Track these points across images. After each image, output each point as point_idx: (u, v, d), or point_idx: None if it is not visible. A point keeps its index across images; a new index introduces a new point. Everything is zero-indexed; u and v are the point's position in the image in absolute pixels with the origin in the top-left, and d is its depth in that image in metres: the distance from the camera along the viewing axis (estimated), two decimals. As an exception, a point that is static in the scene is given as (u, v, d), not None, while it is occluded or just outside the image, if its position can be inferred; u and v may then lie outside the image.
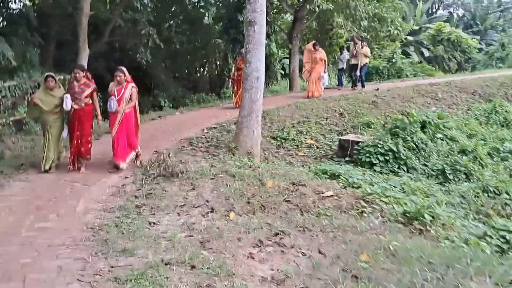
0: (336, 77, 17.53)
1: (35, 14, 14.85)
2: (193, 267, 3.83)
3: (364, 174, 7.27)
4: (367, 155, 8.30)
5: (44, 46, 14.97)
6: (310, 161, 9.33)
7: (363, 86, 15.17)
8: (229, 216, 5.28)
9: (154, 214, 5.27)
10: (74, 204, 5.55)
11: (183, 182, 6.30)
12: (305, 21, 17.16)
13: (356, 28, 17.09)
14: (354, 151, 8.69)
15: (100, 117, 7.25)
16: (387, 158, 8.24)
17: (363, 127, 11.21)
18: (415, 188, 7.00)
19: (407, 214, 5.11)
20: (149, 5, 13.79)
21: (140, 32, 14.01)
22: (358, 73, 14.74)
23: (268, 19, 16.53)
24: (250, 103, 8.13)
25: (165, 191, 5.98)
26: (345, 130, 11.30)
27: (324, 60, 13.52)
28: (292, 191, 6.07)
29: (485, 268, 3.23)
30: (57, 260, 3.99)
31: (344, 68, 16.12)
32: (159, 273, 3.67)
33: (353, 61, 15.05)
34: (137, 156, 7.29)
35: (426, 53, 32.25)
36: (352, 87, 15.39)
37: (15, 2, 15.62)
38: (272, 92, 18.94)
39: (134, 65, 16.82)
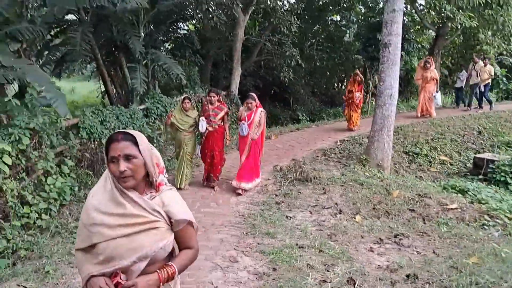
0: (455, 96, 16.46)
1: (197, 38, 17.26)
2: (321, 251, 4.74)
3: (496, 192, 7.27)
4: (502, 174, 8.14)
5: (203, 66, 17.40)
6: (441, 177, 9.41)
7: (490, 104, 14.22)
8: (355, 218, 6.04)
9: (290, 210, 6.31)
10: (229, 197, 6.91)
11: (316, 186, 7.24)
12: (447, 37, 16.74)
13: (504, 43, 16.04)
14: (489, 170, 8.57)
15: (228, 137, 7.37)
16: (525, 178, 7.99)
17: (503, 146, 10.72)
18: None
19: (531, 230, 5.22)
20: (294, 30, 15.09)
21: (284, 53, 15.43)
22: (482, 92, 13.84)
23: (407, 37, 16.68)
24: (382, 118, 8.64)
25: (300, 192, 7.00)
26: (482, 148, 10.95)
27: (436, 80, 12.74)
28: (417, 202, 6.53)
29: None
30: (219, 235, 5.29)
31: (463, 87, 15.13)
32: (294, 252, 4.67)
33: (471, 81, 14.08)
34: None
35: None
36: (479, 106, 14.31)
37: (183, 28, 18.37)
38: (411, 108, 18.73)
39: (277, 82, 18.49)
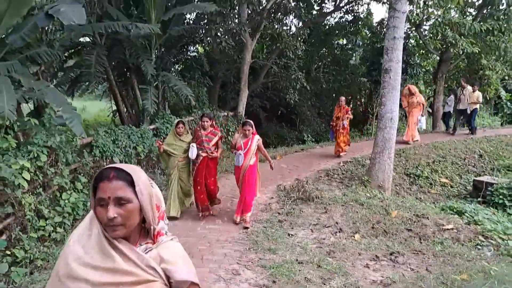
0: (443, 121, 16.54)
1: (206, 60, 17.76)
2: (319, 266, 5.00)
3: (493, 214, 7.48)
4: (501, 196, 8.37)
5: (211, 87, 17.85)
6: (441, 199, 9.64)
7: (472, 132, 14.28)
8: (354, 236, 6.29)
9: (292, 228, 6.57)
10: (233, 214, 7.16)
11: (318, 205, 7.51)
12: (451, 62, 17.13)
13: (506, 69, 16.39)
14: (488, 192, 8.79)
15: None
16: (522, 201, 8.19)
17: (503, 170, 10.93)
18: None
19: (521, 250, 5.43)
20: (300, 54, 15.53)
21: (290, 76, 15.87)
22: (469, 117, 14.03)
23: (411, 62, 17.09)
24: (383, 141, 8.94)
25: (302, 211, 7.27)
26: (483, 171, 11.16)
27: (422, 104, 12.92)
28: (414, 222, 6.77)
29: None
30: (223, 249, 5.58)
31: (451, 112, 15.19)
32: (293, 266, 4.94)
33: (460, 106, 14.14)
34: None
35: None
36: (470, 132, 14.43)
37: (193, 51, 18.93)
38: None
39: (284, 102, 18.88)
